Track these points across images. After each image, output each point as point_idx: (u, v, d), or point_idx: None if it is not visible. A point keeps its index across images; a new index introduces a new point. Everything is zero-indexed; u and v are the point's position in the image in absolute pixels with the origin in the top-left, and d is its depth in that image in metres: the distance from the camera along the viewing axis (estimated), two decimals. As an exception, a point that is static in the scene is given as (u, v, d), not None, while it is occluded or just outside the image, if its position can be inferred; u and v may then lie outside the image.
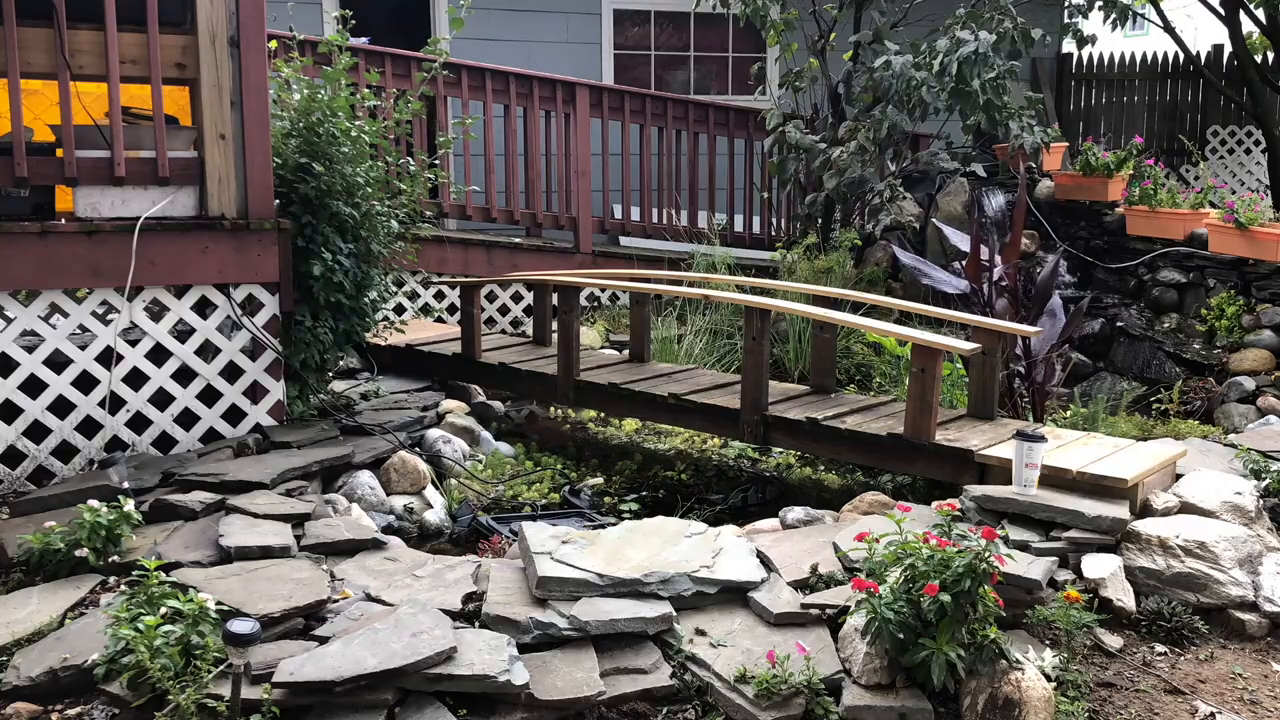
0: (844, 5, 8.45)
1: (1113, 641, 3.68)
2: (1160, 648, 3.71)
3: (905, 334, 4.99)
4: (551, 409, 6.68)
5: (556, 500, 5.31)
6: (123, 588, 3.50)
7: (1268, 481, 4.57)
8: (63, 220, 4.66)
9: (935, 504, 4.07)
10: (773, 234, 9.21)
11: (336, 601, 3.47)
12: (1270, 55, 11.32)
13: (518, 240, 8.49)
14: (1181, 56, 11.29)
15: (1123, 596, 3.81)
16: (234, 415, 4.97)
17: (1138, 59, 12.08)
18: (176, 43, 4.71)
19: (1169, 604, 3.84)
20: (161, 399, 4.81)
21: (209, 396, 4.91)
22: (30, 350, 4.55)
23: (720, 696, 3.20)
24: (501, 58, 8.60)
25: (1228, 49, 10.99)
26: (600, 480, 5.63)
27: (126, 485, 4.23)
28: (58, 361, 4.60)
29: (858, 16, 8.38)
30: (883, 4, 8.41)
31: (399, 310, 7.81)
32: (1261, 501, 4.36)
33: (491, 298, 8.13)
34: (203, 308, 4.87)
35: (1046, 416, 5.73)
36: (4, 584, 3.74)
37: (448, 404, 6.00)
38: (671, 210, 8.90)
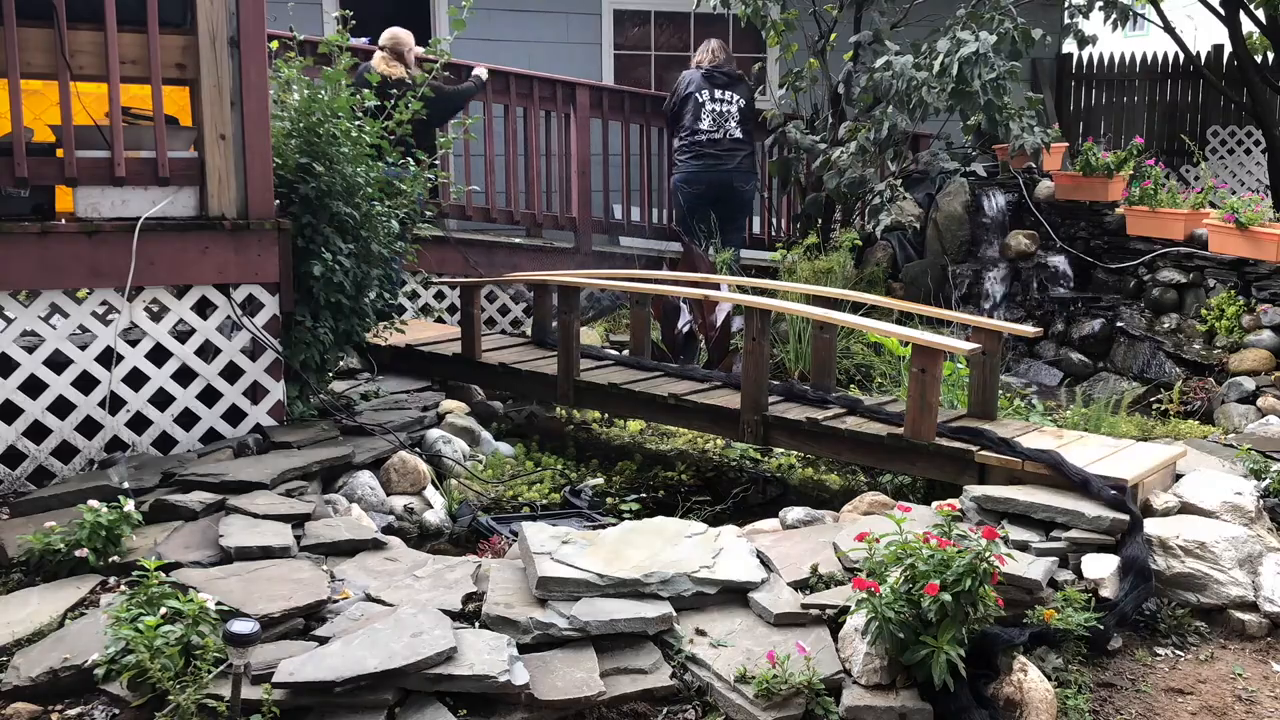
0: (844, 6, 8.45)
1: (1113, 642, 3.67)
2: (1160, 648, 3.71)
3: (905, 334, 4.98)
4: (552, 409, 6.67)
5: (557, 500, 5.31)
6: (123, 588, 3.50)
7: (1268, 481, 4.57)
8: (63, 220, 4.66)
9: (935, 504, 4.07)
10: (773, 234, 9.20)
11: (336, 602, 3.47)
12: (1270, 55, 11.32)
13: (518, 240, 8.49)
14: (1181, 56, 11.29)
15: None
16: (234, 415, 4.97)
17: (1138, 59, 12.08)
18: (176, 43, 4.70)
19: (1169, 604, 3.84)
20: (162, 399, 4.81)
21: (209, 397, 4.91)
22: (30, 350, 4.55)
23: (720, 696, 3.20)
24: (502, 58, 8.60)
25: (1228, 49, 10.99)
26: (601, 480, 5.63)
27: (126, 485, 4.23)
28: (58, 362, 4.60)
29: (858, 17, 8.38)
30: (883, 4, 8.40)
31: (399, 310, 7.80)
32: (1261, 501, 4.36)
33: (491, 298, 8.13)
34: (203, 308, 4.87)
35: (1047, 416, 5.73)
36: (4, 584, 3.74)
37: (448, 404, 5.99)
38: (672, 210, 8.89)
